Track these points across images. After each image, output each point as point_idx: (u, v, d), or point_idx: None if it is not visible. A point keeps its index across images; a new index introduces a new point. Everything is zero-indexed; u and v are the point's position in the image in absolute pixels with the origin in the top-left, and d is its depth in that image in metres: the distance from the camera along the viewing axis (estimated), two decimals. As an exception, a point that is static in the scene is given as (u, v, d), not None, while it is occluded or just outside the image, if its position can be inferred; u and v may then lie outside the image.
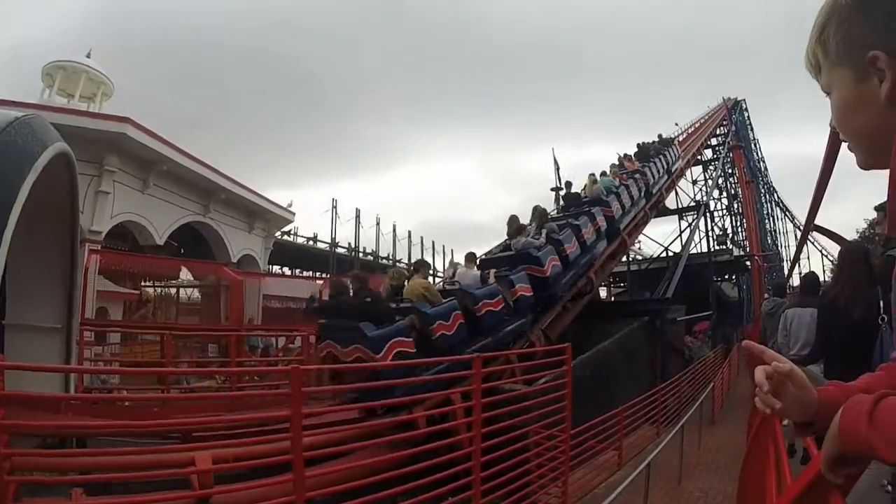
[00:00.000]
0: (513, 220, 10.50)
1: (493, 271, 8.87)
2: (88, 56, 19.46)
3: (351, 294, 7.48)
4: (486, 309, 8.02)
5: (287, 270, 34.13)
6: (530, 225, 10.69)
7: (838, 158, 3.43)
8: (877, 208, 4.22)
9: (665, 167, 18.20)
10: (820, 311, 3.85)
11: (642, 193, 15.30)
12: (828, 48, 0.83)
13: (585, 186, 14.14)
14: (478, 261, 9.61)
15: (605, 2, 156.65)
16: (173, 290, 17.43)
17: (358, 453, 4.28)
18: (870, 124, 0.80)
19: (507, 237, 10.69)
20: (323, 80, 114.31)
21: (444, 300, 7.74)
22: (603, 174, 14.44)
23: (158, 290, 16.97)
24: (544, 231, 10.35)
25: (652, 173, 16.39)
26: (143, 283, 15.93)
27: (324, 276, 29.95)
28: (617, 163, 15.96)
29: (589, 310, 12.01)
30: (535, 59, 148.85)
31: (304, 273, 34.92)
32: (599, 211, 12.42)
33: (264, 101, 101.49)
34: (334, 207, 32.05)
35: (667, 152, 19.13)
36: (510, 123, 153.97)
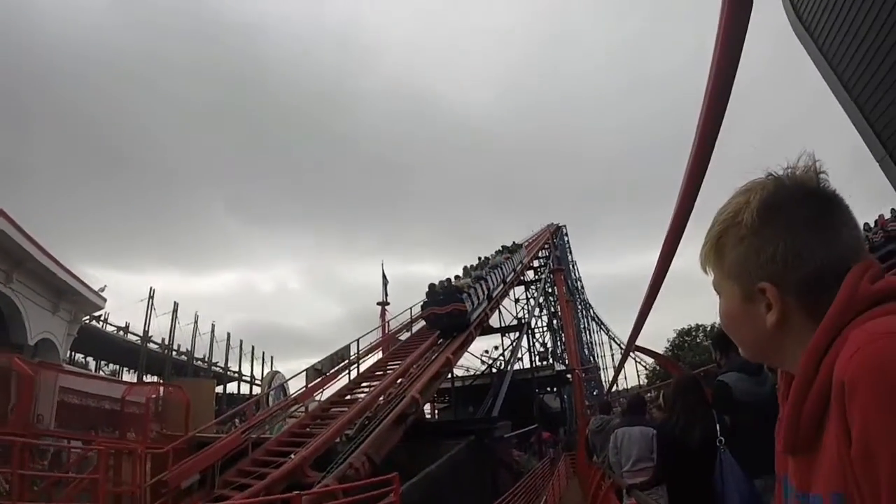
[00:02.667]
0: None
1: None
2: None
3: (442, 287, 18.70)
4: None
5: (91, 360, 29.69)
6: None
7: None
8: (711, 340, 4.36)
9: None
10: (658, 439, 4.06)
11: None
12: (723, 258, 0.84)
13: (489, 258, 25.82)
14: None
15: (439, 126, 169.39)
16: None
17: None
18: (755, 340, 0.83)
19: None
20: (147, 161, 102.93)
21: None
22: (493, 255, 26.51)
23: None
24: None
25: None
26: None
27: (133, 373, 27.33)
28: (493, 254, 27.15)
29: (415, 430, 12.18)
30: (366, 172, 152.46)
31: (111, 366, 30.88)
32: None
33: (85, 169, 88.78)
34: (151, 297, 28.99)
35: (519, 252, 29.47)
36: (333, 234, 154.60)
